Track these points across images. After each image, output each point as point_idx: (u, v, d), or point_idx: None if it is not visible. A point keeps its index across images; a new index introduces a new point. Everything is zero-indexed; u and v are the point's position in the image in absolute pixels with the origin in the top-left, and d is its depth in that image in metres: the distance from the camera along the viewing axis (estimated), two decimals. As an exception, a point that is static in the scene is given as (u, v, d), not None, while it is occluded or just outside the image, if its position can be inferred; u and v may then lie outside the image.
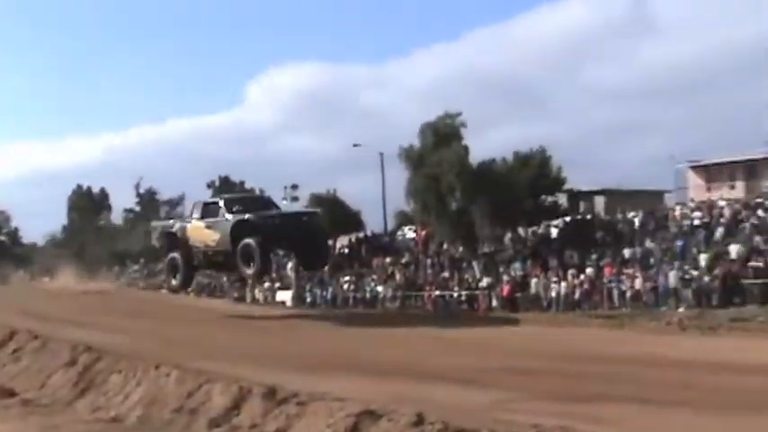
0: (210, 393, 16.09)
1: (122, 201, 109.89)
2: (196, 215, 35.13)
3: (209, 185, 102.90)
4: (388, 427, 12.20)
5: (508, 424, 11.74)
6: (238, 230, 32.11)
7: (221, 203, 34.49)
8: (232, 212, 33.05)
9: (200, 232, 34.24)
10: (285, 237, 32.93)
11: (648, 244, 47.87)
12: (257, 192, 71.88)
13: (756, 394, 14.31)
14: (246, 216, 32.26)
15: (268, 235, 31.73)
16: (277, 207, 36.86)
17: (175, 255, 35.71)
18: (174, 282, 36.67)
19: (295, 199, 67.57)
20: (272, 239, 32.40)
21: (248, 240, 31.52)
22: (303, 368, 18.72)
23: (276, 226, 32.31)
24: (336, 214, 71.64)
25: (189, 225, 35.22)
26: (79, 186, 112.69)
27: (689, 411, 13.17)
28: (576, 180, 63.61)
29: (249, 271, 33.07)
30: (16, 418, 18.25)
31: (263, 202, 37.63)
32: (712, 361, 19.07)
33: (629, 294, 43.57)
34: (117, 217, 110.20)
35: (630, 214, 53.55)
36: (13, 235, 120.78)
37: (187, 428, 15.49)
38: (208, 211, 34.56)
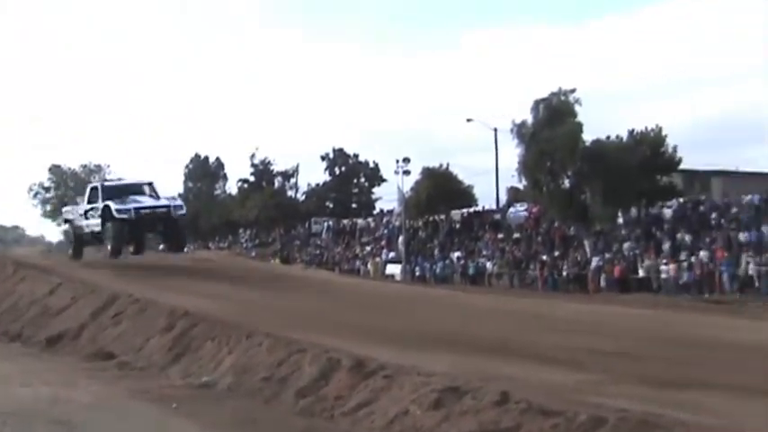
0: (300, 363, 16.03)
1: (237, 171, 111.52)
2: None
3: (323, 158, 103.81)
4: (472, 404, 12.04)
5: (594, 407, 11.40)
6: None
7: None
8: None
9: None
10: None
11: (765, 228, 46.72)
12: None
13: None
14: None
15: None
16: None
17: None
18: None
19: (406, 172, 67.86)
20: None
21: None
22: (396, 341, 18.50)
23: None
24: (447, 188, 71.73)
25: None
26: (197, 155, 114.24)
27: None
28: (693, 161, 62.88)
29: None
30: (109, 380, 18.42)
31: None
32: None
33: (741, 280, 42.67)
34: (232, 186, 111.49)
35: (747, 197, 52.31)
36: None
37: (276, 397, 15.43)
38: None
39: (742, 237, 46.77)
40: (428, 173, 74.32)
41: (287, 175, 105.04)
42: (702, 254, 45.61)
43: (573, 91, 57.56)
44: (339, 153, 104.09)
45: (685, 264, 45.42)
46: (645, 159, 55.91)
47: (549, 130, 56.06)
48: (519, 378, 13.74)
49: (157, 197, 38.75)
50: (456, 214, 69.37)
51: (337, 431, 13.01)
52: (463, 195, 74.99)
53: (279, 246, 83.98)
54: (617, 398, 12.20)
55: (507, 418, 11.43)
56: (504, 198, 74.76)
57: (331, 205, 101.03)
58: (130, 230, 37.03)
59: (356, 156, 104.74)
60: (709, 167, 67.41)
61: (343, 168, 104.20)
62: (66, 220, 43.14)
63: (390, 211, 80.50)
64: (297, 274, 44.61)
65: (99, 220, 37.31)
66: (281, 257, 74.53)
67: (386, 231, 74.48)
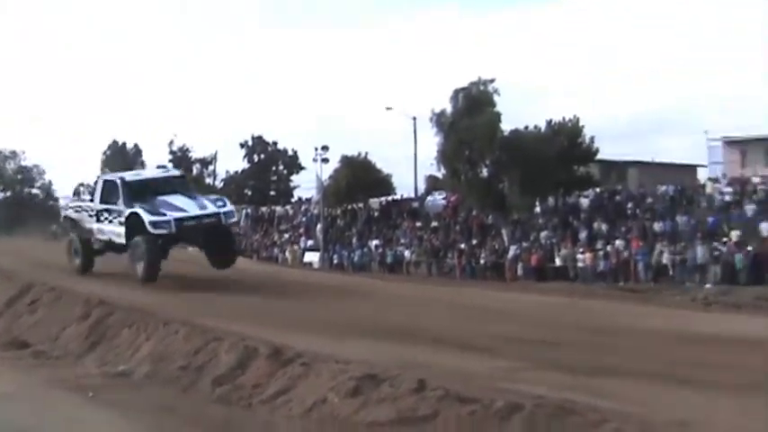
0: (217, 351, 16.00)
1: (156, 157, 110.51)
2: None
3: (242, 145, 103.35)
4: (390, 391, 12.13)
5: (511, 393, 11.56)
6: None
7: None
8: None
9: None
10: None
11: (679, 218, 47.40)
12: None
13: (766, 376, 14.01)
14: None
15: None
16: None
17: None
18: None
19: (325, 160, 67.73)
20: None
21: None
22: (314, 329, 18.59)
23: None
24: (366, 176, 71.82)
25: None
26: (114, 142, 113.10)
27: (697, 388, 12.89)
28: (610, 151, 63.69)
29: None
30: (24, 370, 18.24)
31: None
32: (731, 339, 18.84)
33: (655, 268, 43.23)
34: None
35: (662, 188, 53.01)
36: (47, 188, 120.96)
37: (192, 386, 15.39)
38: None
39: (657, 226, 47.35)
40: (347, 161, 74.38)
41: (205, 162, 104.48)
42: (618, 243, 46.13)
43: (492, 81, 57.97)
44: (258, 140, 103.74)
45: (601, 253, 45.90)
46: (562, 149, 56.57)
47: (467, 119, 56.35)
48: (437, 366, 13.89)
49: (192, 195, 30.11)
50: (374, 203, 69.43)
51: (255, 419, 13.03)
52: (382, 184, 75.14)
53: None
54: (534, 385, 12.37)
55: (425, 406, 11.53)
56: (422, 187, 75.02)
57: (249, 193, 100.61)
58: (165, 244, 28.49)
59: (275, 143, 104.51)
60: (625, 158, 68.27)
61: (261, 156, 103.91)
62: (66, 218, 32.75)
63: (309, 199, 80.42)
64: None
65: (121, 229, 28.51)
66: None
67: (304, 219, 74.21)
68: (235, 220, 31.08)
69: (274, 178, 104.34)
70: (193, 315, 19.49)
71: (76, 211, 31.51)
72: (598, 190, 57.37)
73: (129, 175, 30.82)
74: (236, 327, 17.77)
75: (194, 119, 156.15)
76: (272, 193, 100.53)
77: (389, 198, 71.01)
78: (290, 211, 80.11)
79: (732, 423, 10.49)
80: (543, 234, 51.36)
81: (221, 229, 29.33)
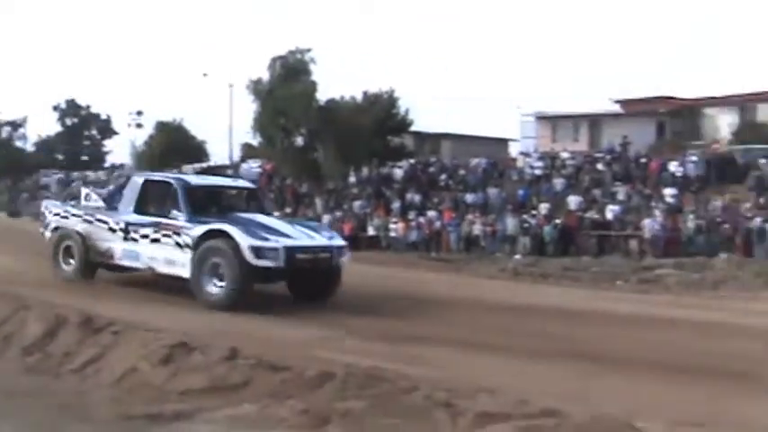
0: (26, 320, 15.63)
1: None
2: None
3: (55, 108, 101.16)
4: (201, 360, 12.11)
5: (322, 361, 11.75)
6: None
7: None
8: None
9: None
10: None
11: (490, 191, 48.31)
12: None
13: (570, 342, 14.62)
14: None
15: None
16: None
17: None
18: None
19: (139, 125, 66.95)
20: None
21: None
22: (126, 298, 18.46)
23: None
24: (181, 143, 71.15)
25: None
26: None
27: (505, 355, 13.46)
28: (424, 123, 64.45)
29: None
30: None
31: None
32: (538, 308, 19.49)
33: (466, 239, 43.92)
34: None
35: (475, 160, 53.91)
36: None
37: (0, 356, 15.01)
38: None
39: (469, 198, 48.14)
40: (162, 127, 73.58)
41: (15, 125, 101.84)
42: (431, 213, 46.69)
43: (309, 50, 58.03)
44: (71, 104, 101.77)
45: (414, 223, 46.36)
46: (377, 120, 56.96)
47: (284, 88, 56.31)
48: (250, 334, 14.01)
49: (268, 211, 21.70)
50: (188, 169, 69.01)
51: (65, 389, 12.80)
52: (197, 150, 74.59)
53: (7, 198, 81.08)
54: (348, 353, 12.62)
55: (236, 374, 11.57)
56: (238, 154, 74.81)
57: (61, 157, 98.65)
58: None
59: (88, 107, 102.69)
60: (439, 130, 69.17)
61: (74, 120, 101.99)
62: (59, 230, 22.29)
63: (122, 165, 79.43)
64: (27, 228, 43.36)
65: (183, 256, 18.74)
66: (9, 211, 72.09)
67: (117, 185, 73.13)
68: (346, 259, 20.07)
69: (87, 143, 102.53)
70: (2, 283, 19.08)
71: (86, 221, 21.62)
72: (412, 161, 58.09)
73: (194, 178, 22.86)
74: (46, 295, 17.48)
75: (4, 80, 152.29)
76: (85, 158, 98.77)
77: (204, 165, 70.62)
78: (103, 177, 79.02)
79: (538, 388, 10.82)
80: (357, 203, 51.63)
81: (331, 269, 19.65)
